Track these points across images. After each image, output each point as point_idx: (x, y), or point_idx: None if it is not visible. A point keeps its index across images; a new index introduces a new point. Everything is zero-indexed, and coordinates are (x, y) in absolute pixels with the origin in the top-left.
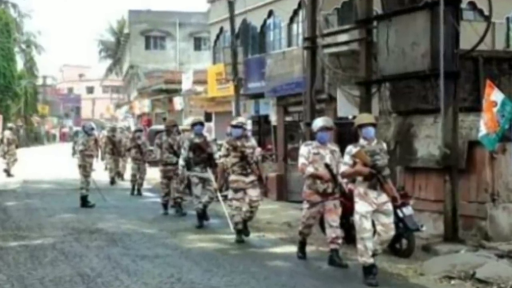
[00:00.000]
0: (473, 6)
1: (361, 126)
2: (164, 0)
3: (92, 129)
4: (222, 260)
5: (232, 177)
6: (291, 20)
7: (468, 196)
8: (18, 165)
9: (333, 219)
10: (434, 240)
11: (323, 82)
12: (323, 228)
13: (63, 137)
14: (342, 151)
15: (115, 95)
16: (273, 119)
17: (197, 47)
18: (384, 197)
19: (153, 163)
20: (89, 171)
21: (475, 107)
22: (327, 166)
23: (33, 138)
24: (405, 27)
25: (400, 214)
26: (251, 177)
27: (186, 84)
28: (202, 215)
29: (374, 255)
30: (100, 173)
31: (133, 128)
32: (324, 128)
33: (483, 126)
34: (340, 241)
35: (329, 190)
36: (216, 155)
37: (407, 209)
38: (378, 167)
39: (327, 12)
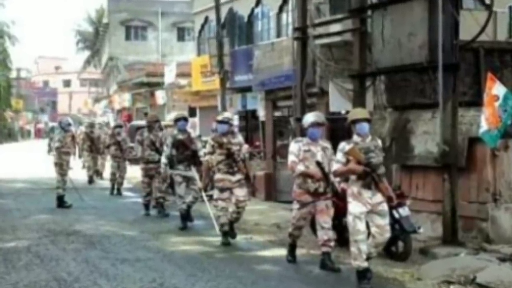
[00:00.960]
0: None
1: (355, 121)
2: None
3: (69, 124)
4: (207, 264)
5: (218, 176)
6: (280, 9)
7: (468, 196)
8: None
9: (325, 220)
10: (432, 242)
11: (314, 75)
12: (314, 230)
13: (38, 133)
14: (335, 148)
15: (94, 88)
16: (261, 114)
17: (181, 37)
18: (379, 197)
19: (134, 161)
20: (65, 170)
21: (476, 102)
22: (318, 164)
23: (6, 134)
24: (401, 17)
25: (396, 215)
26: (238, 176)
27: (169, 77)
28: (186, 216)
29: (368, 258)
30: (77, 171)
31: (112, 124)
32: (315, 124)
33: (484, 121)
34: (332, 243)
35: (321, 190)
36: (201, 153)
37: (403, 210)
38: (372, 165)
39: (318, 1)
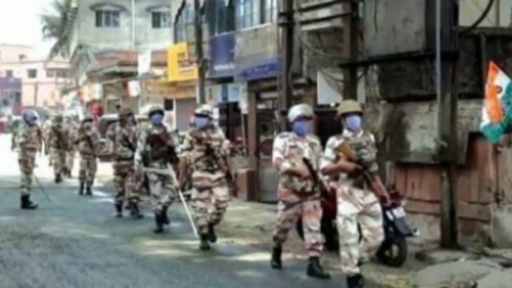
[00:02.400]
0: None
1: (345, 115)
2: None
3: (35, 118)
4: (185, 269)
5: (196, 174)
6: None
7: (469, 196)
8: None
9: (313, 222)
10: (430, 246)
11: (301, 64)
12: (301, 233)
13: (1, 128)
14: (323, 143)
15: (61, 79)
16: (244, 107)
17: (156, 23)
18: (371, 197)
19: (105, 158)
20: (31, 167)
21: (477, 93)
22: (305, 161)
23: None
24: (396, 1)
25: (390, 217)
26: (218, 174)
27: (143, 66)
28: (162, 218)
29: (360, 263)
30: (43, 169)
31: (81, 118)
32: (302, 118)
33: (486, 115)
34: (320, 247)
35: (308, 189)
36: (178, 149)
37: (398, 211)
38: (364, 162)
39: None
